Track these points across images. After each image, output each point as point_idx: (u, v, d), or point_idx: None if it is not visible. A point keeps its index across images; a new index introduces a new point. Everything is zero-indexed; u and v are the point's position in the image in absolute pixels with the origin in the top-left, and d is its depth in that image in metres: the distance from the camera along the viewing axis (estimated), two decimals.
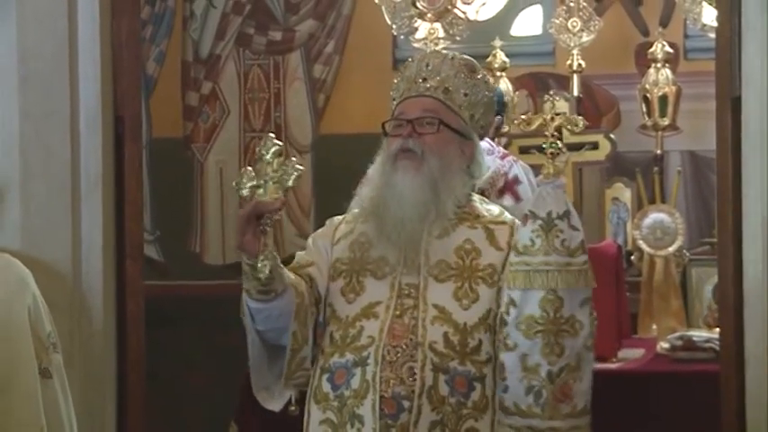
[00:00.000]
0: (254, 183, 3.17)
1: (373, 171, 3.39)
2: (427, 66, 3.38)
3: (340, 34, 7.46)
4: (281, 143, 3.20)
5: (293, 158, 3.20)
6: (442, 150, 3.30)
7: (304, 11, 7.49)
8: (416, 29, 6.76)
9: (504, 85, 6.59)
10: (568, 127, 3.18)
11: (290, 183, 3.16)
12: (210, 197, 7.47)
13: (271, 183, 3.15)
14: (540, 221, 3.10)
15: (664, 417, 4.72)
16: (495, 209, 3.41)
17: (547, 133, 3.17)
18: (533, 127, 3.19)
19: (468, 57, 3.49)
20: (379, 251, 3.32)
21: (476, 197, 3.42)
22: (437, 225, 3.30)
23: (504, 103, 5.31)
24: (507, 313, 3.14)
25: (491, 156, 5.01)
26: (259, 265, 3.13)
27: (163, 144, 7.37)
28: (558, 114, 3.17)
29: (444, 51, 3.47)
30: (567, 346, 3.09)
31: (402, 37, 6.94)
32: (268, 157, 3.17)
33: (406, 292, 3.26)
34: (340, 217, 3.50)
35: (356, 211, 3.45)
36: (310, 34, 7.48)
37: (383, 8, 6.79)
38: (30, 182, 4.23)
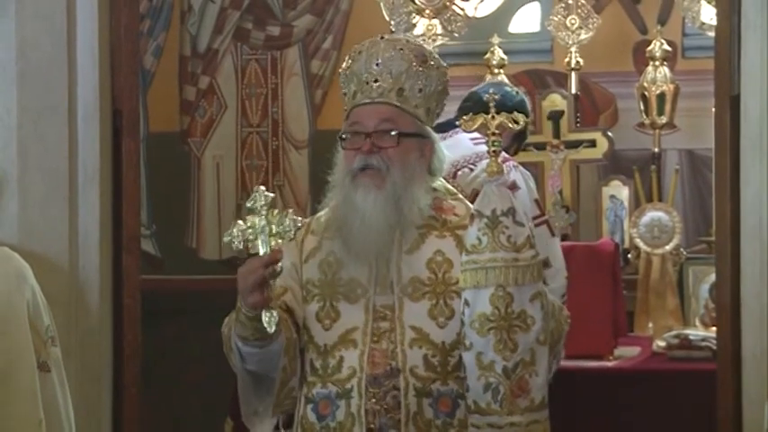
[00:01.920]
0: (248, 237, 3.08)
1: (334, 181, 3.32)
2: (377, 64, 3.26)
3: (338, 30, 7.44)
4: (272, 194, 3.13)
5: (290, 210, 3.10)
6: (404, 162, 3.22)
7: (302, 6, 7.47)
8: (414, 25, 6.76)
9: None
10: (510, 125, 3.17)
11: (292, 235, 3.07)
12: (207, 192, 7.45)
13: (268, 237, 3.09)
14: (485, 219, 3.10)
15: (659, 415, 4.73)
16: (461, 206, 3.34)
17: (488, 132, 3.15)
18: (476, 126, 3.17)
19: (419, 43, 3.38)
20: (350, 272, 3.25)
21: (440, 189, 3.35)
22: (406, 238, 3.24)
23: (526, 111, 5.24)
24: (463, 314, 3.13)
25: None
26: (265, 319, 3.04)
27: (160, 138, 7.35)
28: (498, 113, 3.17)
29: (393, 39, 3.37)
30: (519, 341, 3.08)
31: (400, 33, 6.93)
32: (262, 211, 3.10)
33: (382, 314, 3.21)
34: (303, 223, 3.35)
35: (320, 217, 3.37)
36: (308, 30, 7.47)
37: (381, 4, 6.79)
38: (27, 175, 4.22)
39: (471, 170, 4.78)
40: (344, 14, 7.43)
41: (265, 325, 3.05)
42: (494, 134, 3.15)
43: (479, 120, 3.16)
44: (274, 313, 3.05)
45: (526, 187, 4.97)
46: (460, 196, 3.40)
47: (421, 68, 3.27)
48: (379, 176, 3.20)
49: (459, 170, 4.78)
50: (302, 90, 7.47)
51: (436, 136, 3.37)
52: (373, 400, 3.15)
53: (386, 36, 3.38)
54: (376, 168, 3.21)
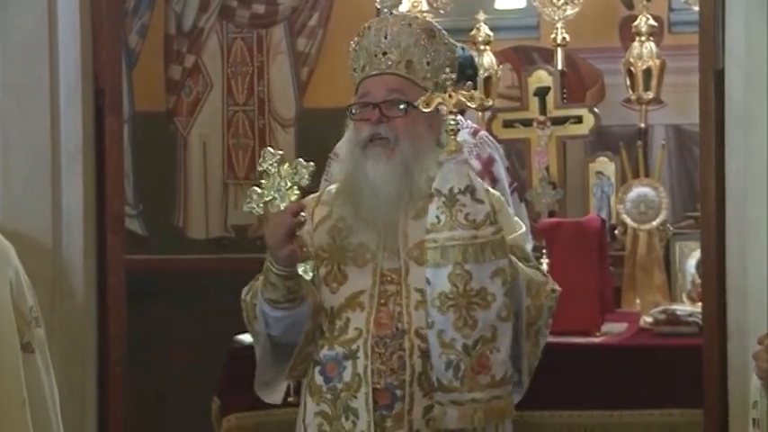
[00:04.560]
0: (267, 198, 3.16)
1: (344, 152, 3.38)
2: (386, 37, 3.34)
3: (324, 7, 7.41)
4: (281, 152, 3.19)
5: (300, 159, 3.19)
6: (412, 132, 3.28)
7: None
8: (400, 2, 6.71)
9: (488, 58, 6.57)
10: (468, 103, 3.16)
11: (306, 181, 3.17)
12: (194, 171, 7.43)
13: (285, 189, 3.14)
14: (443, 198, 3.11)
15: (646, 391, 4.72)
16: None
17: (445, 110, 3.15)
18: (433, 106, 3.16)
19: (427, 20, 3.46)
20: (359, 237, 3.32)
21: None
22: (412, 205, 3.29)
23: (474, 67, 5.25)
24: (426, 292, 3.15)
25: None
26: (302, 269, 3.16)
27: (146, 118, 7.33)
28: (455, 91, 3.16)
29: (402, 16, 3.44)
30: (479, 318, 3.09)
31: (386, 10, 6.88)
32: (273, 169, 3.16)
33: (389, 278, 3.28)
34: (314, 196, 3.47)
35: (332, 189, 3.43)
36: (294, 7, 7.43)
37: None
38: (9, 154, 4.21)
39: None
40: None
41: (303, 274, 3.15)
42: (451, 113, 3.15)
43: (436, 99, 3.16)
44: (306, 264, 3.16)
45: (499, 159, 4.99)
46: None
47: (429, 43, 3.34)
48: (389, 146, 3.27)
49: None
50: (288, 68, 7.44)
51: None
52: (379, 361, 3.20)
53: (395, 12, 3.45)
54: (384, 138, 3.27)
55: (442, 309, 3.09)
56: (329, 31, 7.39)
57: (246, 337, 4.80)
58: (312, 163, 3.21)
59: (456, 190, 3.10)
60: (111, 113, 4.38)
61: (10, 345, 3.78)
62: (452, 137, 3.15)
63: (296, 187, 3.18)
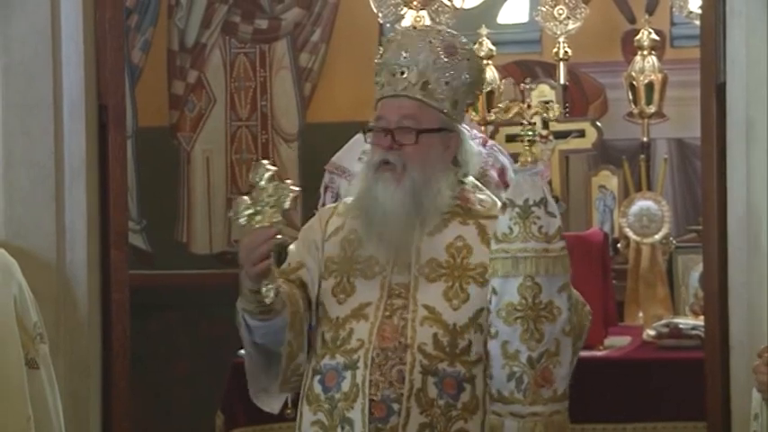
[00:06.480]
0: (251, 210, 3.15)
1: (348, 165, 3.39)
2: (405, 55, 3.30)
3: (326, 22, 7.43)
4: (275, 167, 3.18)
5: (288, 180, 3.18)
6: (423, 159, 3.26)
7: None
8: (403, 17, 6.73)
9: (491, 72, 6.58)
10: (545, 114, 3.18)
11: (287, 205, 3.14)
12: (197, 186, 7.45)
13: (268, 207, 3.14)
14: (517, 209, 3.10)
15: (650, 404, 4.73)
16: (488, 199, 3.37)
17: (524, 121, 3.17)
18: (510, 115, 3.18)
19: (452, 34, 3.37)
20: (369, 250, 3.30)
21: (469, 184, 3.38)
22: (428, 222, 3.28)
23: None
24: (490, 302, 3.14)
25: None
26: (263, 290, 3.12)
27: (149, 133, 7.35)
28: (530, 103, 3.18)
29: (425, 30, 3.40)
30: (546, 331, 3.09)
31: (388, 25, 6.91)
32: (262, 183, 3.15)
33: (396, 292, 3.26)
34: (331, 206, 3.49)
35: (348, 201, 3.43)
36: (296, 23, 7.46)
37: None
38: (13, 171, 4.22)
39: None
40: (333, 7, 7.43)
41: (263, 295, 3.11)
42: (529, 123, 3.15)
43: (515, 108, 3.17)
44: (270, 285, 3.11)
45: (510, 164, 4.98)
46: (488, 191, 3.42)
47: (448, 61, 3.30)
48: (398, 172, 3.25)
49: None
50: (291, 83, 7.46)
51: (463, 129, 3.39)
52: (378, 372, 3.18)
53: (420, 26, 3.39)
54: (393, 165, 3.25)
55: (508, 320, 3.09)
56: (332, 47, 7.42)
57: None
58: (298, 188, 3.18)
59: (531, 202, 3.10)
60: (114, 129, 4.39)
61: (14, 361, 3.80)
62: (528, 148, 3.15)
63: (277, 208, 3.13)
